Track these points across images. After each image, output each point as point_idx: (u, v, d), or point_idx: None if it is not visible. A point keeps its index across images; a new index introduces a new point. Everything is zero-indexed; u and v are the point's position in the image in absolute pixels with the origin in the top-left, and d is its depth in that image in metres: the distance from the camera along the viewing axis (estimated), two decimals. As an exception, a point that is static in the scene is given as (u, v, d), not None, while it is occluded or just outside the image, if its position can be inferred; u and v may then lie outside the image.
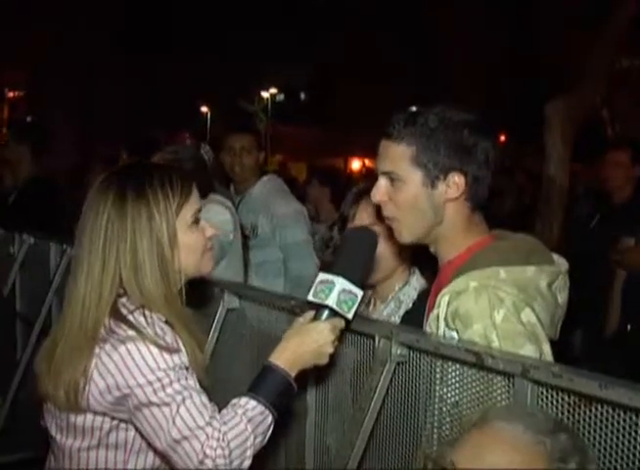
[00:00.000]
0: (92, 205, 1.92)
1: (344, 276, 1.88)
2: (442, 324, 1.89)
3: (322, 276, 1.91)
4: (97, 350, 1.83)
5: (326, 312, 1.90)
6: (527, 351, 1.77)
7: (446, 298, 1.89)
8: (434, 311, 1.93)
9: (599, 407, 1.48)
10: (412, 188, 1.95)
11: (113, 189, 1.91)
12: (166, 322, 1.91)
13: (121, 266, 1.88)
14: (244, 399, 1.85)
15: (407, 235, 2.02)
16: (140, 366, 1.80)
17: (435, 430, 1.85)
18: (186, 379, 1.83)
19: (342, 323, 1.93)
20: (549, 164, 6.03)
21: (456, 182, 1.94)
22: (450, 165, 1.93)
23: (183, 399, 1.79)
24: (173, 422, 1.77)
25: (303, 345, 1.90)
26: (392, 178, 1.97)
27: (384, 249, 2.41)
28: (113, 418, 1.88)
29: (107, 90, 20.04)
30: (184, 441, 1.77)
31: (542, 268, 1.93)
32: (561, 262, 2.03)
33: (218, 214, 3.59)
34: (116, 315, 1.86)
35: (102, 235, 1.88)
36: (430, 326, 1.96)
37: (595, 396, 1.46)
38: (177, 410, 1.78)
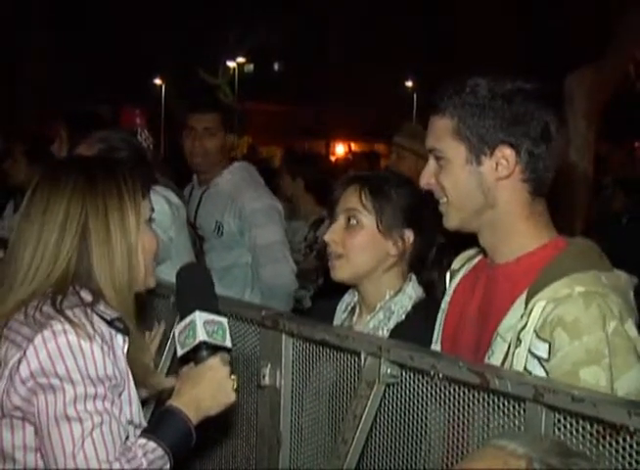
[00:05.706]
0: (47, 183, 2.01)
1: (199, 309, 2.07)
2: (530, 335, 1.87)
3: (178, 327, 2.09)
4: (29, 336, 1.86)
5: (204, 352, 2.04)
6: (636, 372, 1.77)
7: (542, 303, 1.88)
8: (522, 320, 1.90)
9: (628, 438, 1.47)
10: (456, 165, 2.01)
11: (77, 168, 2.03)
12: (111, 323, 1.94)
13: (91, 240, 1.96)
14: (142, 440, 1.91)
15: (452, 219, 2.07)
16: (69, 360, 1.84)
17: (433, 465, 1.85)
18: (112, 404, 1.87)
19: (226, 356, 2.07)
20: (569, 148, 6.04)
21: (505, 157, 1.96)
22: (497, 138, 1.96)
23: (101, 423, 1.83)
24: (82, 445, 1.80)
25: (200, 388, 2.01)
26: (438, 157, 2.04)
27: (358, 241, 2.45)
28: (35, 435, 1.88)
29: (34, 58, 19.82)
30: None
31: (629, 276, 1.96)
32: (620, 274, 2.01)
33: (154, 204, 3.52)
34: (59, 302, 1.90)
35: (61, 209, 1.96)
36: (503, 337, 1.93)
37: (623, 425, 1.46)
38: (90, 432, 1.81)
